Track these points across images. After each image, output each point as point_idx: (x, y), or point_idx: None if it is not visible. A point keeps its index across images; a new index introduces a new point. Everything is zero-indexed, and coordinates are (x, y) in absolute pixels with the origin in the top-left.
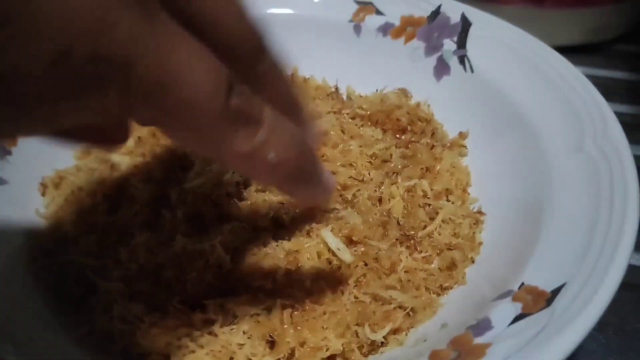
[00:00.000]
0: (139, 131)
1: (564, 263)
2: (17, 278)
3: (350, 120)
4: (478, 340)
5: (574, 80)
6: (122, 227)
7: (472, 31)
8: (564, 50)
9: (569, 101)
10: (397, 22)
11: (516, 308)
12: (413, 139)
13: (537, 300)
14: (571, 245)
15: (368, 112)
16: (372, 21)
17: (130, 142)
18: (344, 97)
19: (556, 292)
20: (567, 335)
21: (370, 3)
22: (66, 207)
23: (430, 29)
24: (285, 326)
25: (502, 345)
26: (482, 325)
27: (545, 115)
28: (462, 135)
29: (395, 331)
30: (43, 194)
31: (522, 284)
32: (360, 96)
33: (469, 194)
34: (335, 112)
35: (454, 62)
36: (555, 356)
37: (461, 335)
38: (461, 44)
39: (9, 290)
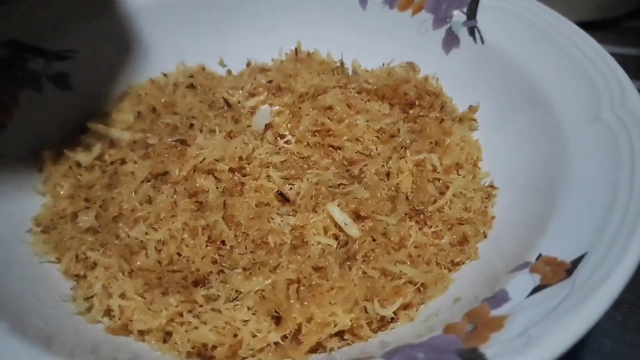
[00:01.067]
0: (138, 106)
1: (584, 233)
2: (15, 254)
3: (356, 94)
4: (495, 312)
5: (589, 50)
6: (121, 202)
7: (483, 2)
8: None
9: (584, 70)
10: None
11: (534, 279)
12: (421, 113)
13: (557, 271)
14: (590, 215)
15: (374, 87)
16: None
17: (130, 117)
18: (350, 71)
19: (576, 262)
20: (589, 306)
21: None
22: (64, 182)
23: (439, 0)
24: (292, 301)
25: (521, 317)
26: (499, 297)
27: (560, 85)
28: (472, 109)
29: (405, 307)
30: (40, 170)
31: (540, 255)
32: (366, 70)
33: (479, 168)
34: (340, 87)
35: (463, 33)
36: (578, 328)
37: (477, 308)
38: (471, 14)
39: (5, 266)
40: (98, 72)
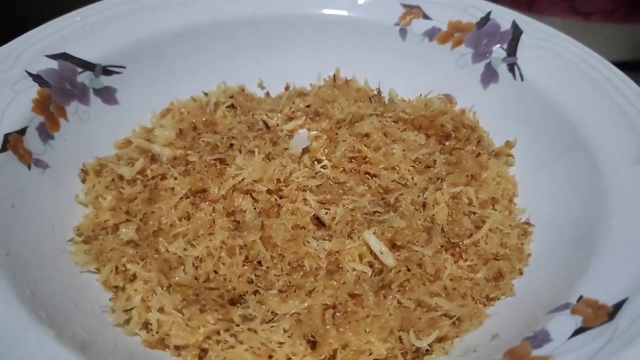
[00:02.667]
0: (180, 124)
1: (625, 278)
2: (57, 263)
3: (392, 123)
4: (537, 352)
5: (629, 93)
6: (161, 217)
7: (523, 39)
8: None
9: (625, 114)
10: (444, 27)
11: (576, 321)
12: (457, 145)
13: (598, 314)
14: (631, 260)
15: (411, 117)
16: (419, 25)
17: (172, 134)
18: (386, 100)
19: (618, 306)
20: (633, 351)
21: (418, 7)
22: (107, 194)
23: (479, 35)
24: (328, 327)
25: (565, 357)
26: (540, 337)
27: (600, 127)
28: (509, 144)
29: (440, 339)
30: (83, 181)
31: (581, 297)
32: (403, 100)
33: (515, 204)
34: (377, 115)
35: (502, 69)
36: None
37: (518, 347)
38: (511, 51)
39: (49, 275)
40: (143, 88)
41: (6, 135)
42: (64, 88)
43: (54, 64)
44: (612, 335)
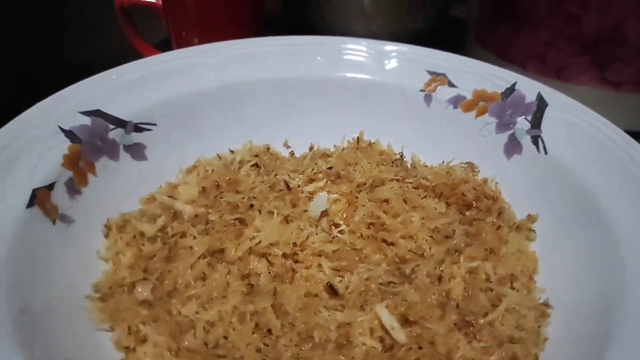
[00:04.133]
0: (204, 181)
1: None
2: (72, 319)
3: (413, 190)
4: None
5: None
6: (177, 277)
7: (548, 112)
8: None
9: None
10: (469, 96)
11: None
12: (478, 216)
13: None
14: None
15: (432, 184)
16: (444, 92)
17: (195, 192)
18: (409, 165)
19: None
20: None
21: (443, 74)
22: (127, 251)
23: (504, 106)
24: None
25: None
26: None
27: (622, 208)
28: (531, 219)
29: None
30: (106, 236)
31: None
32: (426, 166)
33: (535, 282)
34: (398, 180)
35: (526, 141)
36: None
37: None
38: (536, 123)
39: (59, 332)
40: (172, 145)
41: (34, 191)
42: (94, 144)
43: (87, 121)
44: None
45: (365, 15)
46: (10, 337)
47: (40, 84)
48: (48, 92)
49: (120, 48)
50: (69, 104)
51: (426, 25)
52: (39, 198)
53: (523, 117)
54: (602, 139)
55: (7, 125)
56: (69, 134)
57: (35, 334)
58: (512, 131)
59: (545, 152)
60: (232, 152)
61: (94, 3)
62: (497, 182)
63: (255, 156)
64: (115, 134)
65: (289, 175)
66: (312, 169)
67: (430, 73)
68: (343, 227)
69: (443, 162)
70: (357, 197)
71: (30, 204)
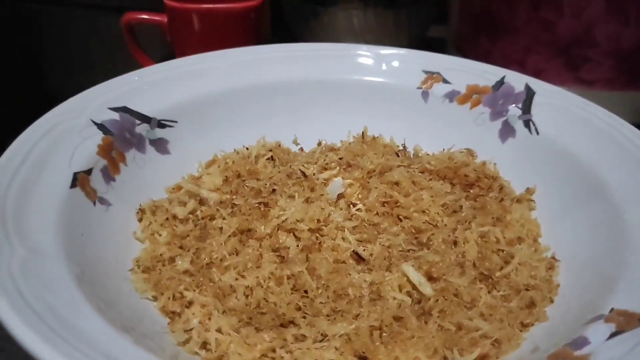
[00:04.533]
0: (226, 172)
1: None
2: (119, 287)
3: (419, 174)
4: (578, 352)
5: (634, 137)
6: (212, 252)
7: (536, 99)
8: None
9: (636, 158)
10: (463, 90)
11: (610, 327)
12: (481, 193)
13: (630, 321)
14: None
15: (436, 168)
16: (439, 89)
17: (219, 180)
18: (411, 155)
19: None
20: None
21: (438, 73)
22: (162, 231)
23: (496, 97)
24: (377, 343)
25: (605, 353)
26: (579, 342)
27: (613, 171)
28: (530, 191)
29: (483, 357)
30: (140, 219)
31: (612, 309)
32: (428, 154)
33: (540, 243)
34: (405, 166)
35: (519, 125)
36: None
37: (559, 350)
38: (526, 109)
39: (112, 295)
40: (191, 141)
41: (75, 174)
42: (124, 137)
43: (115, 116)
44: None
45: (354, 33)
46: (77, 292)
47: (20, 116)
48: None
49: (105, 78)
50: (97, 101)
51: (411, 42)
52: (80, 180)
53: (514, 105)
54: (588, 116)
55: (41, 118)
56: (100, 126)
57: (94, 294)
58: (505, 118)
59: (537, 133)
60: (247, 148)
61: (74, 35)
62: (495, 164)
63: (270, 151)
64: (141, 129)
65: (303, 165)
66: (324, 160)
67: (426, 72)
68: (360, 206)
69: (444, 149)
70: (368, 182)
71: (73, 185)
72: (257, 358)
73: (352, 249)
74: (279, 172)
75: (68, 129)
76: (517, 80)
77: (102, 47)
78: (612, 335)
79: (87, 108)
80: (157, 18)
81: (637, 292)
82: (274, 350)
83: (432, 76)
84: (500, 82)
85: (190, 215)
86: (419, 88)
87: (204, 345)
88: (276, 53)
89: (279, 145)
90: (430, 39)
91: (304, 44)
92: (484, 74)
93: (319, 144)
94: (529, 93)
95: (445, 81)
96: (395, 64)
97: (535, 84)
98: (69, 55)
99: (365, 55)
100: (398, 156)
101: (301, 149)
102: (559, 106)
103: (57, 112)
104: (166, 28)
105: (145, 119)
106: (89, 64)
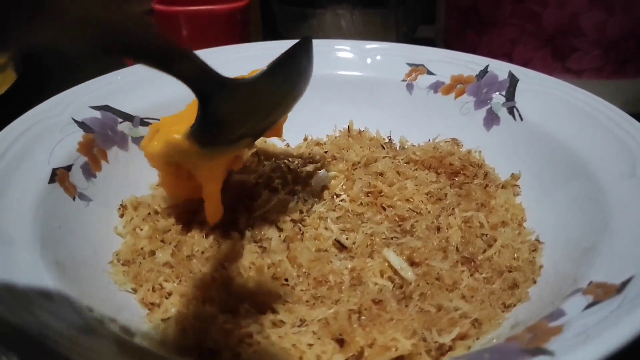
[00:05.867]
0: None
1: (629, 261)
2: (97, 279)
3: (404, 164)
4: (553, 323)
5: (620, 120)
6: (193, 244)
7: (520, 85)
8: None
9: (617, 136)
10: (447, 81)
11: (587, 299)
12: (466, 181)
13: (607, 291)
14: (634, 249)
15: (421, 158)
16: (424, 80)
17: None
18: (397, 147)
19: (625, 283)
20: None
21: (422, 65)
22: (143, 226)
23: (479, 86)
24: (355, 326)
25: (579, 323)
26: (556, 314)
27: (595, 150)
28: (515, 177)
29: (462, 337)
30: (121, 215)
31: (591, 282)
32: (413, 145)
33: (524, 227)
34: (390, 157)
35: (503, 112)
36: (633, 326)
37: (535, 323)
38: (510, 96)
39: (89, 286)
40: None
41: (54, 170)
42: (106, 134)
43: (97, 114)
44: (621, 302)
45: (343, 35)
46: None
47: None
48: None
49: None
50: (79, 100)
51: (399, 41)
52: (59, 176)
53: (498, 93)
54: (571, 100)
55: (23, 115)
56: (81, 124)
57: (70, 283)
58: (489, 106)
59: (521, 119)
60: None
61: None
62: (480, 152)
63: (254, 147)
64: (124, 126)
65: (287, 160)
66: (309, 154)
67: (410, 65)
68: (344, 196)
69: (429, 140)
70: (353, 173)
71: (52, 180)
72: (234, 344)
73: (334, 238)
74: (263, 166)
75: (49, 127)
76: (500, 68)
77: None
78: (589, 305)
79: (68, 106)
80: None
81: (616, 264)
82: (251, 336)
83: (417, 68)
84: (484, 71)
85: (172, 209)
86: (403, 80)
87: (183, 332)
88: (260, 51)
89: (265, 142)
90: (419, 39)
91: (290, 42)
92: (468, 64)
93: (305, 139)
94: (513, 80)
95: (429, 72)
96: (379, 57)
97: (519, 71)
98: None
99: (350, 50)
100: (384, 148)
101: (287, 145)
102: (542, 91)
103: (38, 110)
104: None
105: (127, 117)
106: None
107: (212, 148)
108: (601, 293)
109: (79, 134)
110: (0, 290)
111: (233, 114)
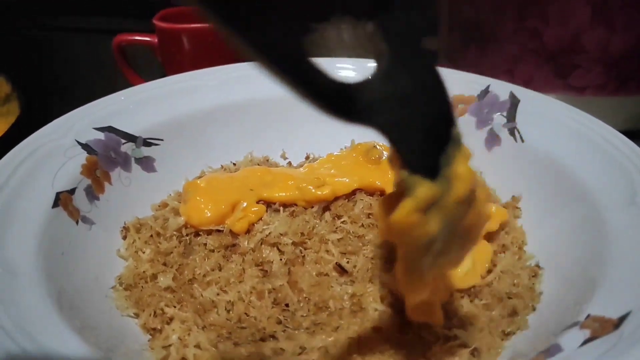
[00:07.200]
0: None
1: (627, 296)
2: (99, 305)
3: None
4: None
5: (621, 145)
6: (195, 268)
7: (521, 106)
8: None
9: (617, 162)
10: None
11: (584, 334)
12: None
13: (605, 326)
14: (632, 282)
15: None
16: None
17: None
18: None
19: (623, 318)
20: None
21: None
22: (146, 248)
23: (481, 106)
24: (355, 355)
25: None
26: (553, 350)
27: (596, 175)
28: (515, 199)
29: None
30: (124, 237)
31: (588, 315)
32: None
33: (525, 252)
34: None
35: (504, 133)
36: None
37: (533, 358)
38: (511, 117)
39: (91, 312)
40: (178, 158)
41: (58, 194)
42: (109, 156)
43: (100, 135)
44: (618, 340)
45: (346, 49)
46: (55, 311)
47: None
48: None
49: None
50: (83, 121)
51: None
52: (62, 200)
53: (499, 113)
54: (572, 124)
55: (27, 139)
56: (85, 146)
57: (73, 311)
58: (490, 126)
59: (522, 141)
60: (234, 164)
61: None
62: (481, 172)
63: (257, 165)
64: (127, 147)
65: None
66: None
67: None
68: (345, 218)
69: None
70: (354, 194)
71: (55, 205)
72: None
73: (335, 262)
74: None
75: (52, 150)
76: (501, 88)
77: (103, 68)
78: (586, 341)
79: (72, 128)
80: (147, 39)
81: (614, 298)
82: None
83: None
84: (485, 91)
85: (175, 232)
86: None
87: None
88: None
89: (267, 160)
90: None
91: None
92: (469, 83)
93: (307, 157)
94: (514, 101)
95: None
96: None
97: (520, 91)
98: (70, 78)
99: (352, 68)
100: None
101: (289, 164)
102: (543, 113)
103: (41, 133)
104: (157, 48)
105: (130, 137)
106: (88, 85)
107: None
108: (598, 328)
109: (82, 156)
110: (5, 323)
111: None
